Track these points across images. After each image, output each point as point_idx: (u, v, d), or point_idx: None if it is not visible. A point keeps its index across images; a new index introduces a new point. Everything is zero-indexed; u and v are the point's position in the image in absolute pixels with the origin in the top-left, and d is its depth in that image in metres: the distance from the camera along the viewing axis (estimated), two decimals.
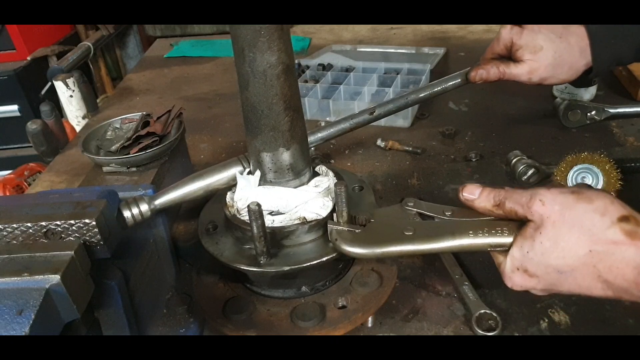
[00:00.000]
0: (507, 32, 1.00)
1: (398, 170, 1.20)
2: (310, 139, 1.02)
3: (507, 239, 0.65)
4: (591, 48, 0.94)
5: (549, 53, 0.96)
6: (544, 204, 0.60)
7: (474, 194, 0.68)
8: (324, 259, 0.74)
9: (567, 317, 0.79)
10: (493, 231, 0.66)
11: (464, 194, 0.69)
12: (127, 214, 0.78)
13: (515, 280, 0.64)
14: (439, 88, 1.09)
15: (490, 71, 1.00)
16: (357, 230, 0.72)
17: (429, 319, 0.81)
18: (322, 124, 1.40)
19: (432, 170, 1.18)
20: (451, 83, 1.08)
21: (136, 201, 0.79)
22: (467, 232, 0.66)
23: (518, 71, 0.99)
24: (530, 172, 1.07)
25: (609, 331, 0.77)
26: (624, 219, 0.57)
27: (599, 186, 0.98)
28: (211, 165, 0.86)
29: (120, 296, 0.68)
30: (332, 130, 1.07)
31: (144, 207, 0.79)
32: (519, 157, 1.11)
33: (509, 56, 1.02)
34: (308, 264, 0.73)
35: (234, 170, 0.84)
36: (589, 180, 0.98)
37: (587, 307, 0.80)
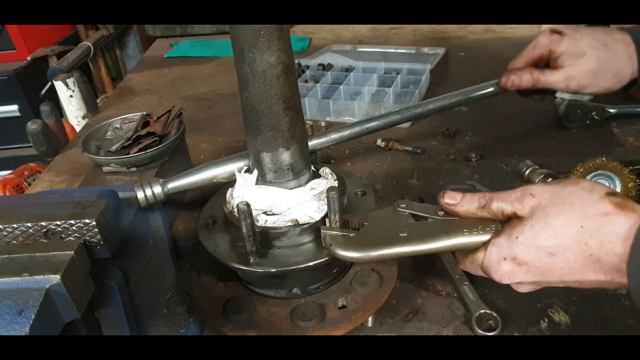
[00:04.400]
0: (545, 39, 0.93)
1: (398, 170, 1.20)
2: (323, 139, 1.01)
3: None
4: (638, 56, 0.88)
5: (592, 59, 0.88)
6: (534, 196, 0.60)
7: (455, 199, 0.67)
8: (312, 263, 0.73)
9: (567, 317, 0.79)
10: (487, 228, 0.65)
11: (445, 199, 0.68)
12: (140, 195, 0.80)
13: (503, 270, 0.61)
14: (465, 97, 1.04)
15: (523, 77, 0.93)
16: (350, 235, 0.71)
17: (429, 319, 0.81)
18: (322, 124, 1.40)
19: (432, 170, 1.18)
20: (481, 92, 1.03)
21: (150, 183, 0.81)
22: (462, 231, 0.66)
23: (554, 78, 0.91)
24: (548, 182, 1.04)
25: (609, 331, 0.77)
26: (611, 193, 0.57)
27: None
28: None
29: (120, 296, 0.68)
30: (351, 130, 1.02)
31: (157, 189, 0.81)
32: (532, 167, 1.09)
33: (544, 65, 0.95)
34: (295, 267, 0.73)
35: (242, 164, 0.85)
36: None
37: (587, 307, 0.80)
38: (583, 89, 0.92)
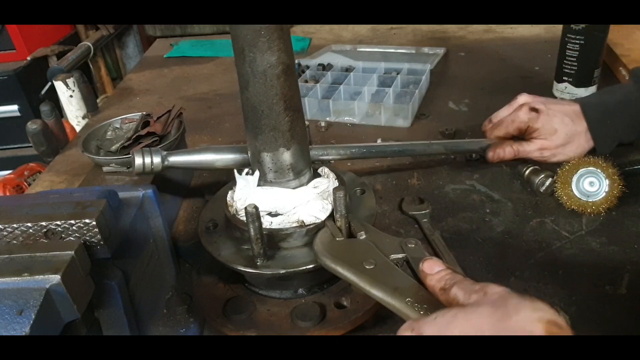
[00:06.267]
0: (524, 116, 1.06)
1: (398, 170, 1.20)
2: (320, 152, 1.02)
3: None
4: (592, 134, 1.03)
5: (562, 135, 1.04)
6: (486, 294, 0.55)
7: (432, 270, 0.62)
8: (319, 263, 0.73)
9: (567, 317, 0.79)
10: (429, 312, 0.59)
11: (423, 267, 0.63)
12: (138, 160, 0.80)
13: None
14: (455, 148, 1.17)
15: (506, 151, 1.09)
16: (338, 238, 0.71)
17: None
18: (322, 124, 1.41)
19: (432, 170, 1.18)
20: (467, 148, 1.18)
21: (151, 152, 0.81)
22: (405, 298, 0.61)
23: (530, 148, 1.07)
24: (548, 182, 1.05)
25: (609, 331, 0.77)
26: (555, 324, 0.51)
27: (604, 190, 0.97)
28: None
29: (120, 296, 0.68)
30: (344, 152, 1.07)
31: (157, 159, 0.81)
32: (532, 167, 1.08)
33: (520, 135, 1.09)
34: (304, 267, 0.73)
35: (240, 157, 0.85)
36: (596, 185, 0.98)
37: (587, 307, 0.80)
38: (553, 157, 1.07)
